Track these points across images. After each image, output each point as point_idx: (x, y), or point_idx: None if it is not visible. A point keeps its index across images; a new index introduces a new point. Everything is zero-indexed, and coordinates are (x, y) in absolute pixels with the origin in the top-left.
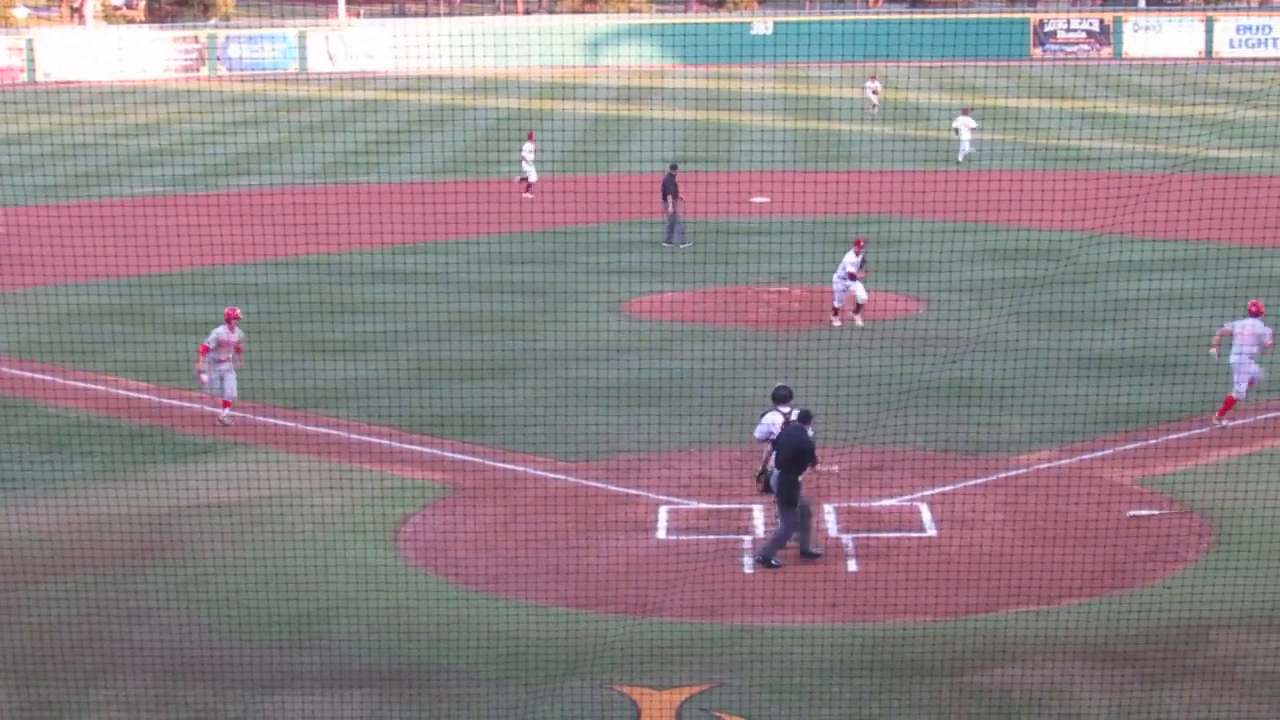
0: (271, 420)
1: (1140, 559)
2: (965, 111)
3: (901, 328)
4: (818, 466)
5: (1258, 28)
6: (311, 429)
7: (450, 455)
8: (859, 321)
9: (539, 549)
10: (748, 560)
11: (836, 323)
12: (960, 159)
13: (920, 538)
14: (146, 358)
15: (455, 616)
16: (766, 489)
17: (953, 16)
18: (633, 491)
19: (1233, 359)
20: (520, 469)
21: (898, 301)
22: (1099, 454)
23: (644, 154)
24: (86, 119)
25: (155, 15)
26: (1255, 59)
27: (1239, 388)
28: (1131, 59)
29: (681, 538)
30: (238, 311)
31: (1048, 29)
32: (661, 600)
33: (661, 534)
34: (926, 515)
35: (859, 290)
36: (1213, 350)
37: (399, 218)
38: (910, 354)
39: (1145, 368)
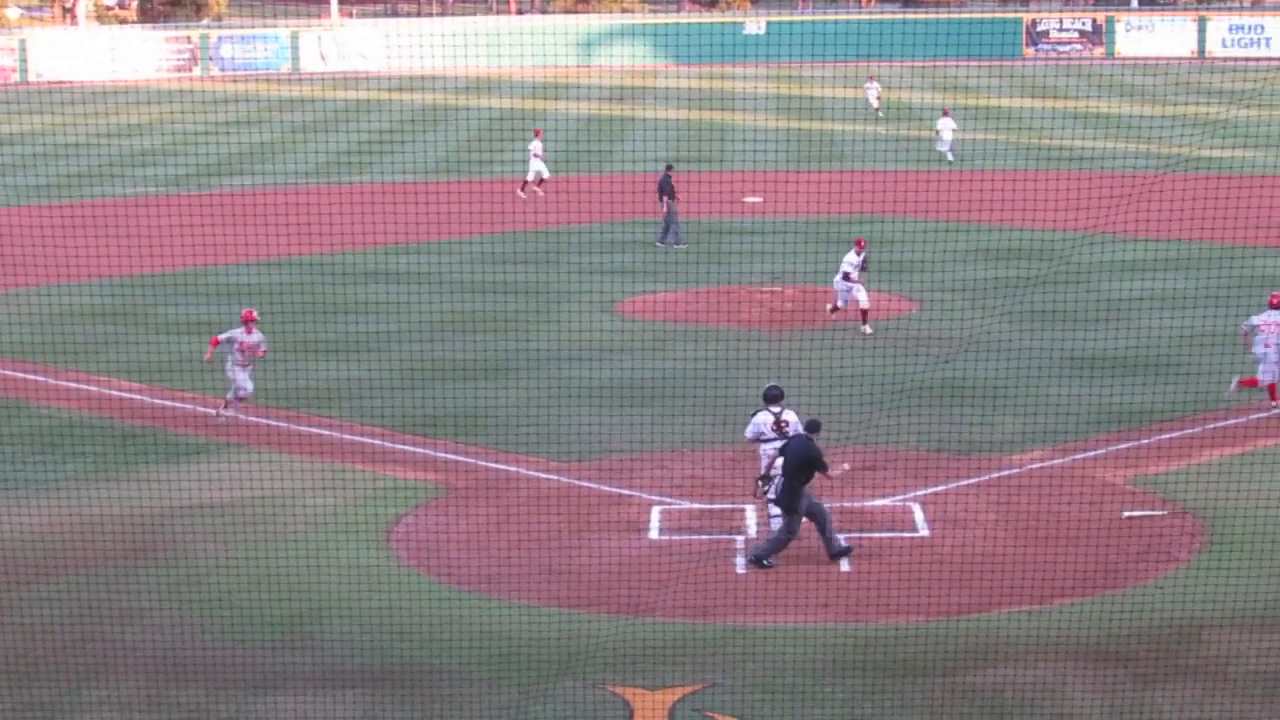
0: (264, 420)
1: (1132, 559)
2: (945, 113)
3: (894, 327)
4: (830, 472)
5: (1250, 27)
6: (304, 429)
7: (442, 455)
8: (867, 329)
9: (531, 549)
10: (740, 560)
11: (829, 308)
12: (950, 158)
13: (913, 538)
14: (139, 358)
15: (448, 617)
16: (765, 495)
17: (945, 16)
18: (625, 492)
19: (1258, 350)
20: (513, 469)
21: (891, 301)
22: (1091, 454)
23: (637, 154)
24: (79, 119)
25: (147, 15)
26: (1247, 58)
27: (1264, 377)
28: (1124, 59)
29: (674, 538)
30: (255, 314)
31: (1040, 29)
32: (654, 600)
33: (654, 534)
34: (919, 515)
35: (861, 295)
36: (1244, 347)
37: (391, 218)
38: (903, 354)
39: (1138, 367)
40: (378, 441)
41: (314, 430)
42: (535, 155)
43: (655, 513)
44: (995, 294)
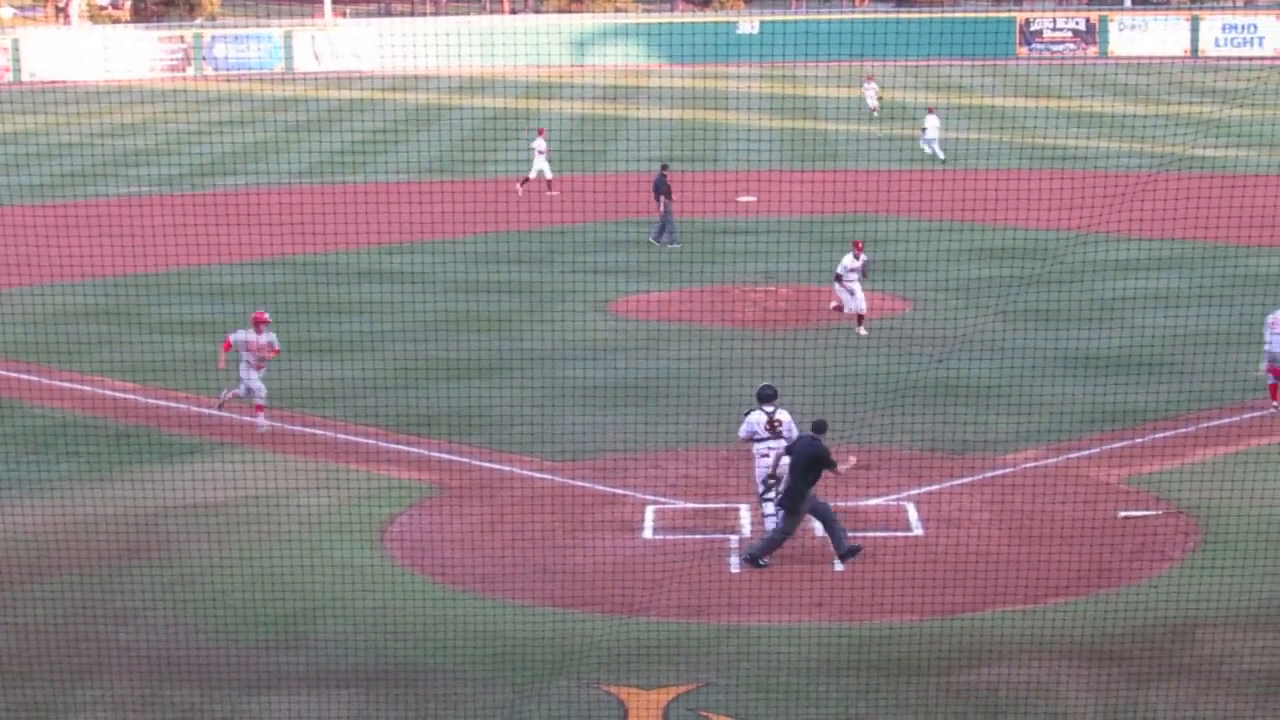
0: (257, 420)
1: (1126, 558)
2: (931, 110)
3: (888, 327)
4: (839, 469)
5: (1243, 26)
6: (298, 429)
7: (437, 455)
8: (861, 331)
9: (526, 549)
10: (734, 559)
11: (831, 305)
12: (941, 156)
13: (907, 537)
14: (133, 358)
15: (442, 616)
16: (781, 503)
17: (939, 15)
18: (619, 491)
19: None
20: (507, 469)
21: (884, 301)
22: (1085, 453)
23: (630, 153)
24: (72, 119)
25: (141, 15)
26: (1241, 58)
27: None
28: (1117, 58)
29: (668, 537)
30: (267, 315)
31: (1033, 28)
32: (648, 600)
33: (648, 533)
34: (913, 514)
35: (859, 298)
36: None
37: (385, 217)
38: (897, 353)
39: (1132, 367)
40: (372, 441)
41: (308, 430)
42: (539, 153)
43: (649, 512)
44: (989, 293)
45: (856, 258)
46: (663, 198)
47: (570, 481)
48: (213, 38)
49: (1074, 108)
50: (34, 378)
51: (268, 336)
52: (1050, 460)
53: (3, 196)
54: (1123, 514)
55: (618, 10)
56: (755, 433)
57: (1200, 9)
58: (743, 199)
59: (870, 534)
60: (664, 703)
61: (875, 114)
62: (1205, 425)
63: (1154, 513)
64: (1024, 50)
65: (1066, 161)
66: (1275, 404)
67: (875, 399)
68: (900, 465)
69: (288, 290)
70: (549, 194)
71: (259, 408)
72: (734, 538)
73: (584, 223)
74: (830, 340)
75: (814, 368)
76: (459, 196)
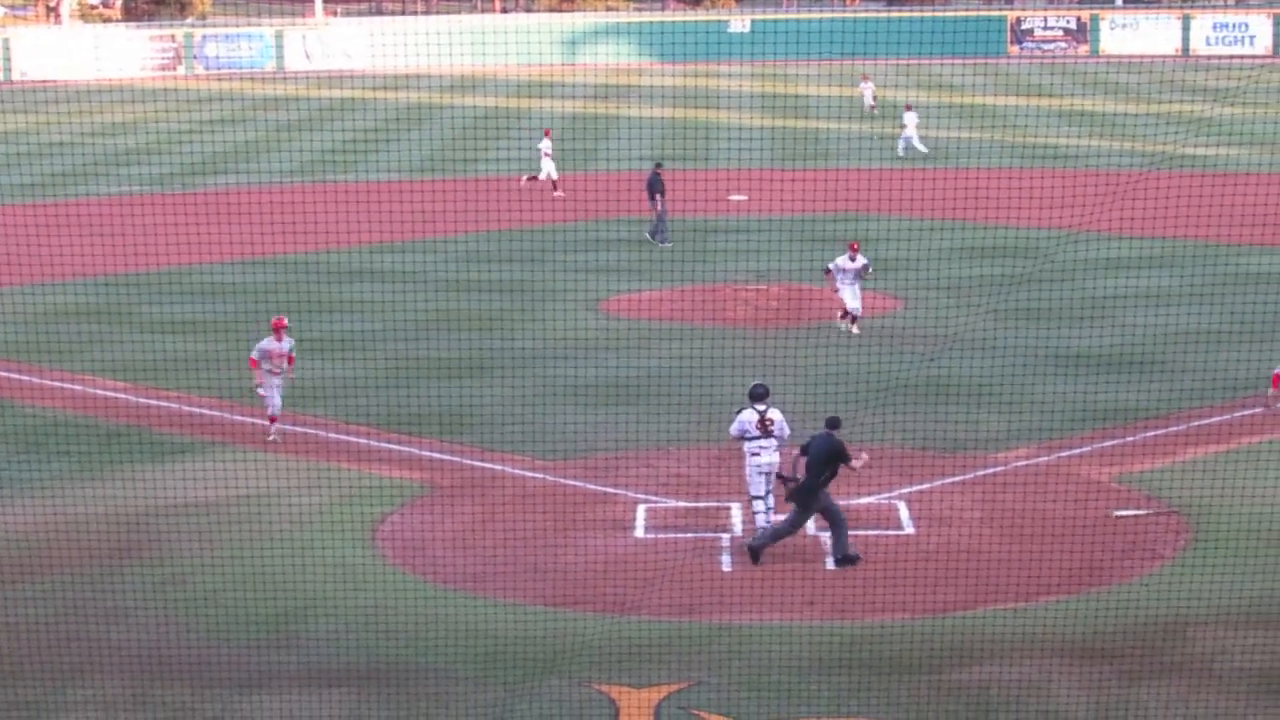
0: (249, 419)
1: (1118, 556)
2: (908, 108)
3: (879, 326)
4: (853, 464)
5: (1234, 25)
6: (289, 428)
7: (428, 454)
8: (846, 327)
9: (517, 547)
10: (726, 558)
11: (851, 329)
12: (924, 150)
13: (898, 535)
14: (123, 357)
15: (433, 615)
16: (793, 497)
17: (930, 14)
18: (610, 490)
19: None
20: (498, 468)
21: (875, 299)
22: (1076, 451)
23: (622, 152)
24: (63, 118)
25: (131, 14)
26: (1232, 56)
27: None
28: (1109, 57)
29: (659, 536)
30: (285, 320)
31: (1025, 27)
32: (640, 598)
33: (639, 532)
34: (904, 513)
35: (847, 297)
36: None
37: (376, 216)
38: (888, 352)
39: (1122, 365)
40: (363, 440)
41: (299, 429)
42: (545, 154)
43: (640, 511)
44: (980, 292)
45: (852, 259)
46: (658, 196)
47: (561, 480)
48: (204, 37)
49: (1065, 106)
50: (24, 377)
51: (288, 342)
52: (1041, 459)
53: None
54: (1117, 513)
55: (609, 9)
56: (746, 431)
57: (1191, 8)
58: (734, 198)
59: (861, 532)
60: (655, 701)
61: (874, 113)
62: (1196, 424)
63: (1148, 512)
64: (1015, 49)
65: (1057, 160)
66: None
67: (866, 398)
68: (891, 464)
69: (278, 289)
70: (555, 194)
71: (272, 419)
72: (725, 536)
73: (575, 221)
74: (821, 339)
75: (805, 366)
76: (450, 195)
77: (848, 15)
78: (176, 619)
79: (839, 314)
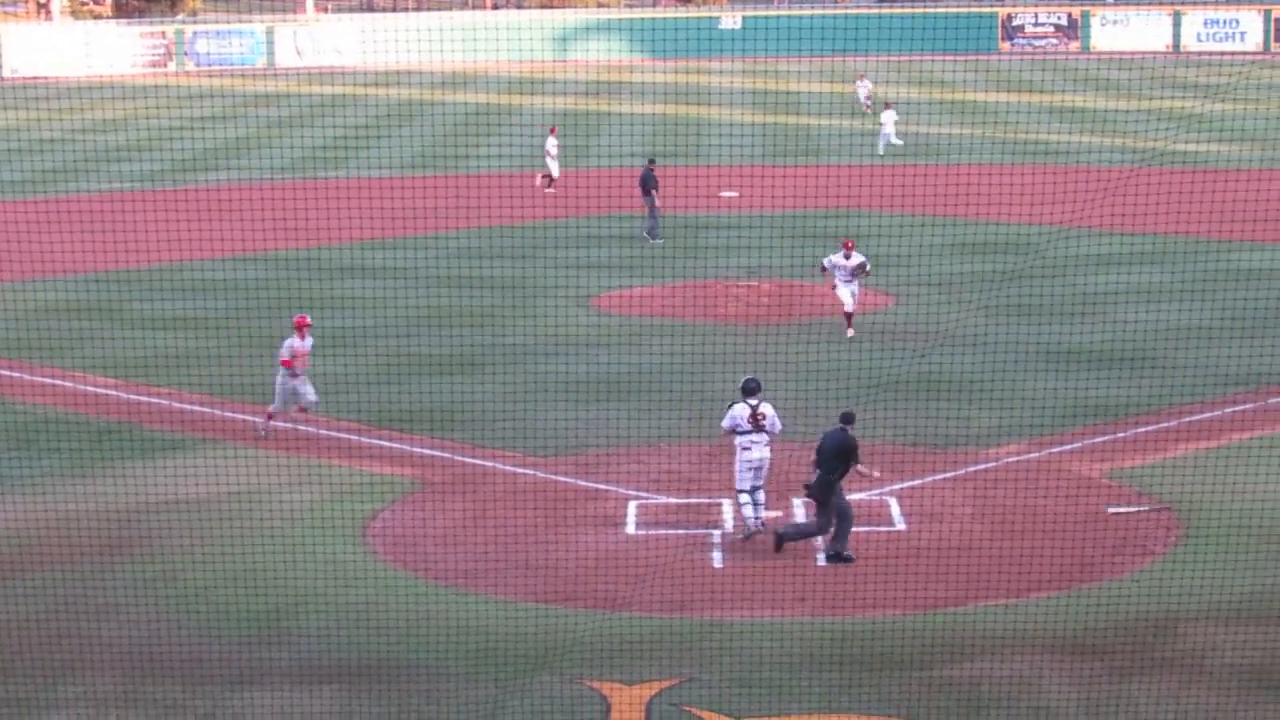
0: (239, 416)
1: (1109, 552)
2: (888, 106)
3: (871, 322)
4: (860, 467)
5: (1225, 21)
6: (279, 424)
7: (419, 450)
8: (849, 332)
9: (508, 544)
10: (717, 554)
11: (850, 334)
12: (881, 150)
13: (889, 532)
14: (114, 354)
15: (424, 611)
16: (811, 494)
17: (921, 11)
18: (602, 486)
19: None
20: (489, 464)
21: (867, 295)
22: (1067, 447)
23: (613, 149)
24: (53, 114)
25: (122, 11)
26: (1222, 52)
27: None
28: (1099, 53)
29: (650, 532)
30: (309, 319)
31: (1016, 23)
32: (631, 595)
33: (630, 529)
34: (895, 509)
35: (843, 295)
36: None
37: (367, 213)
38: (879, 348)
39: (1113, 361)
40: (354, 437)
41: (289, 426)
42: (549, 154)
43: (632, 507)
44: (971, 288)
45: (847, 257)
46: (654, 192)
47: (552, 477)
48: (194, 33)
49: (1056, 103)
50: (15, 374)
51: (310, 340)
52: (1032, 455)
53: None
54: (1111, 510)
55: (600, 5)
56: (738, 425)
57: (1182, 4)
58: (725, 194)
59: (853, 529)
60: (646, 698)
61: (869, 111)
62: (1187, 420)
63: (1142, 509)
64: (1006, 45)
65: (1048, 156)
66: None
67: (858, 394)
68: (883, 460)
69: (270, 285)
70: (547, 190)
71: (300, 409)
72: (716, 532)
73: (566, 218)
74: (812, 335)
75: (796, 363)
76: (441, 191)
77: (838, 12)
78: (167, 615)
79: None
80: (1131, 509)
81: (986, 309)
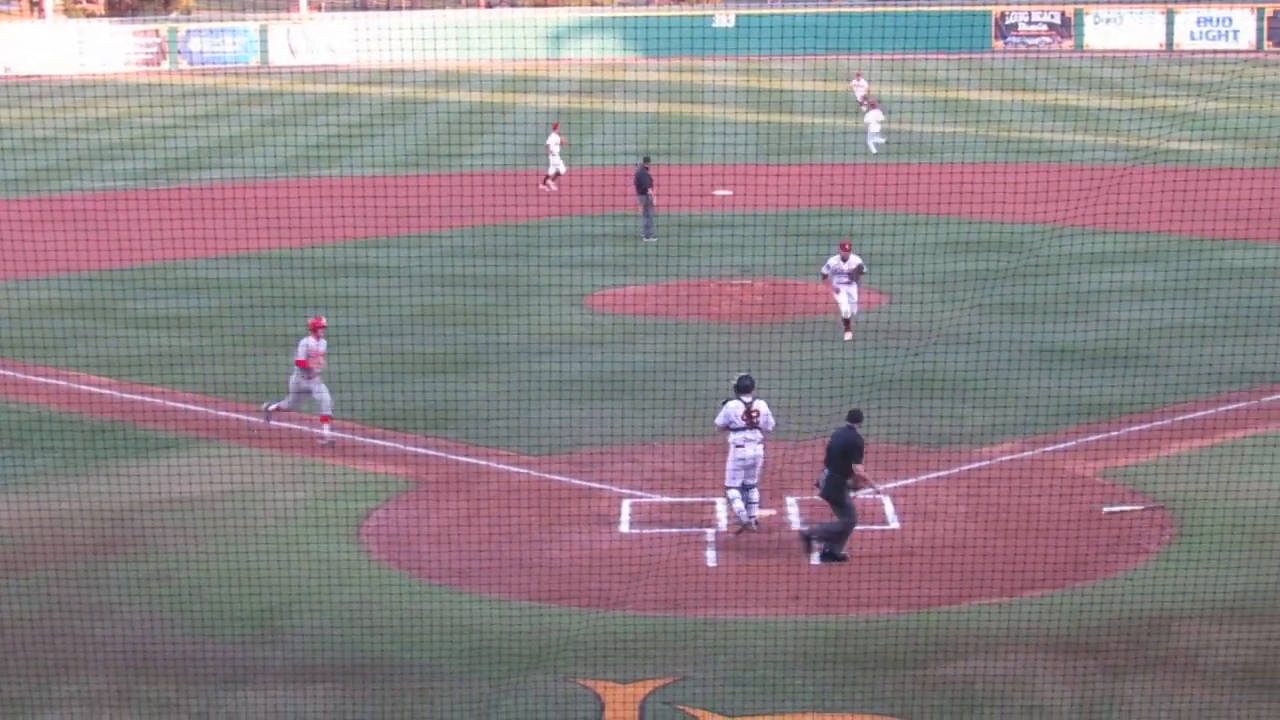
0: (233, 415)
1: (1103, 551)
2: (874, 105)
3: (864, 321)
4: (857, 466)
5: (1218, 20)
6: (273, 423)
7: (413, 449)
8: (846, 336)
9: (502, 543)
10: (711, 553)
11: (848, 337)
12: (874, 150)
13: (883, 530)
14: (108, 352)
15: (418, 610)
16: (824, 494)
17: (914, 9)
18: (595, 485)
19: None
20: (483, 463)
21: (861, 294)
22: (1061, 446)
23: (606, 147)
24: (46, 113)
25: (115, 9)
26: (1216, 51)
27: None
28: (1092, 51)
29: (644, 531)
30: (324, 320)
31: (1009, 21)
32: (625, 594)
33: (624, 527)
34: (889, 508)
35: (843, 301)
36: None
37: (361, 211)
38: (873, 346)
39: (1107, 360)
40: (348, 435)
41: (283, 424)
42: (550, 151)
43: (626, 506)
44: (965, 287)
45: (844, 259)
46: (650, 190)
47: (546, 475)
48: (188, 32)
49: (1049, 101)
50: (8, 372)
51: (324, 342)
52: (1026, 453)
53: None
54: (1107, 509)
55: (593, 3)
56: (732, 421)
57: (1175, 2)
58: (719, 192)
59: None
60: (640, 696)
61: (864, 109)
62: (1181, 418)
63: (1138, 507)
64: (999, 44)
65: (1042, 155)
66: None
67: (851, 392)
68: (876, 458)
69: (263, 284)
70: (543, 186)
71: (325, 418)
72: (710, 531)
73: (560, 216)
74: (806, 334)
75: (790, 361)
76: (435, 190)
77: (832, 10)
78: (161, 614)
79: (846, 333)
80: (1127, 508)
81: (980, 308)
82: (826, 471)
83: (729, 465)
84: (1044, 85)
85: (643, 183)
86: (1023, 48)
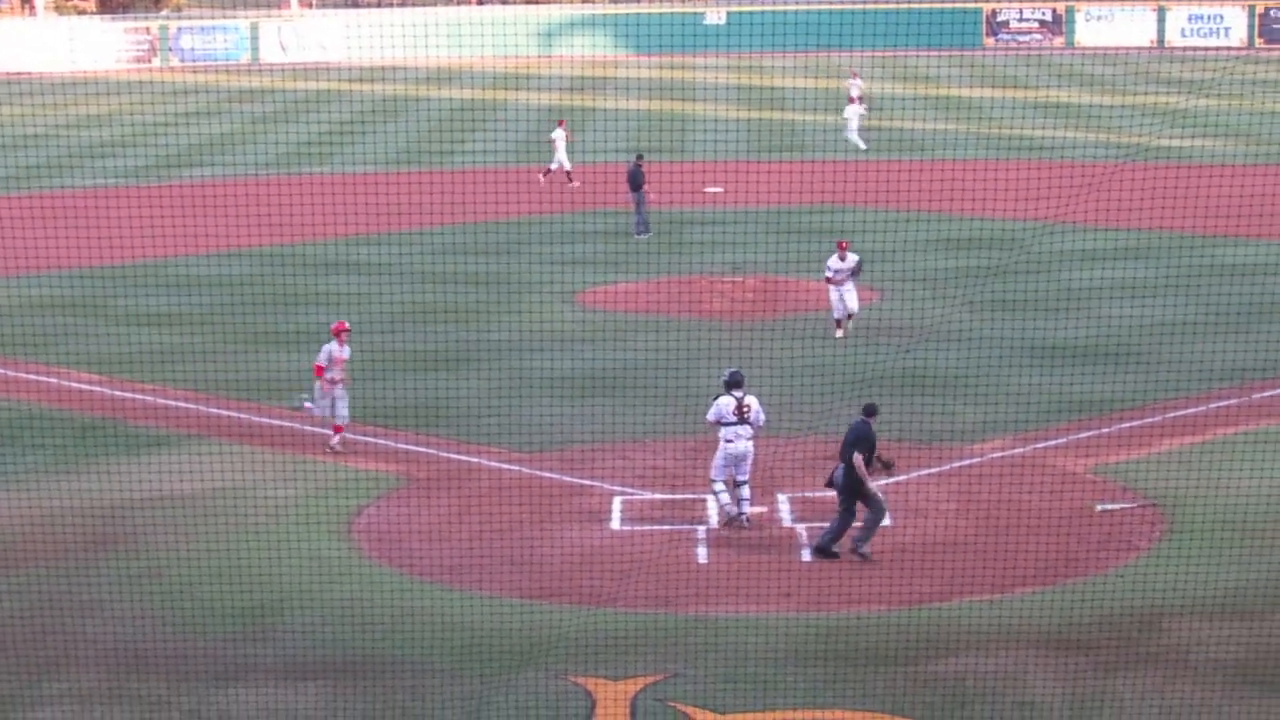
0: (224, 412)
1: (1093, 547)
2: (852, 100)
3: (856, 317)
4: (856, 457)
5: (1209, 17)
6: (264, 420)
7: (404, 446)
8: (838, 334)
9: (493, 540)
10: (702, 550)
11: (839, 335)
12: (863, 146)
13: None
14: (99, 350)
15: (410, 608)
16: (841, 490)
17: (905, 6)
18: (587, 482)
19: None
20: (474, 460)
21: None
22: (1052, 443)
23: (597, 144)
24: (37, 110)
25: (106, 6)
26: (1206, 48)
27: None
28: (1084, 48)
29: (635, 528)
30: (347, 325)
31: (1000, 18)
32: (616, 591)
33: (615, 524)
34: None
35: (850, 299)
36: None
37: (352, 208)
38: (864, 343)
39: (1098, 356)
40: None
41: (274, 421)
42: (555, 146)
43: (617, 503)
44: (956, 283)
45: (842, 258)
46: (643, 188)
47: (537, 473)
48: (179, 29)
49: (1041, 98)
50: None
51: (349, 349)
52: (1017, 450)
53: None
54: (1100, 507)
55: (584, 1)
56: (723, 417)
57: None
58: (710, 190)
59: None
60: (632, 693)
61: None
62: (1172, 415)
63: (1130, 505)
64: (991, 41)
65: (1033, 152)
66: None
67: (842, 389)
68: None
69: (254, 282)
70: (541, 179)
71: (338, 428)
72: (701, 528)
73: (551, 214)
74: (797, 331)
75: (781, 358)
76: (426, 187)
77: (823, 7)
78: (152, 612)
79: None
80: (1119, 505)
81: (971, 304)
82: (840, 465)
83: (716, 459)
84: (1035, 82)
85: (636, 180)
86: (1014, 44)
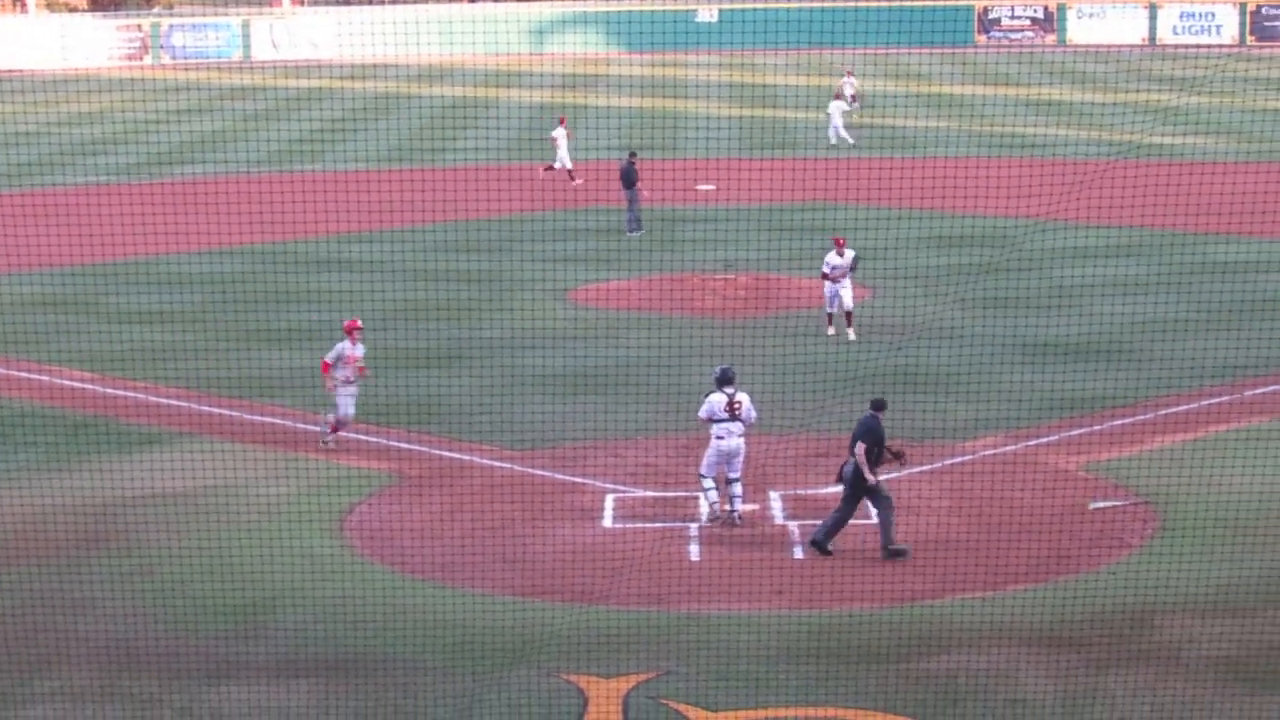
0: (216, 409)
1: (1085, 545)
2: (837, 96)
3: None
4: (855, 448)
5: (1201, 14)
6: (256, 418)
7: (396, 444)
8: (851, 335)
9: (485, 537)
10: (694, 547)
11: (830, 331)
12: (850, 142)
13: (866, 524)
14: (90, 347)
15: (402, 605)
16: (851, 485)
17: (897, 4)
18: (579, 480)
19: None
20: (466, 457)
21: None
22: (1044, 440)
23: (589, 142)
24: (29, 108)
25: (98, 4)
26: (1198, 45)
27: None
28: (1075, 46)
29: (628, 525)
30: (360, 323)
31: (992, 16)
32: (608, 588)
33: (608, 522)
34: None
35: (845, 295)
36: None
37: (344, 206)
38: (856, 341)
39: (1090, 354)
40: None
41: (266, 419)
42: (557, 144)
43: (609, 501)
44: (948, 281)
45: (840, 254)
46: (636, 185)
47: (530, 470)
48: (170, 26)
49: (1032, 96)
50: None
51: (362, 348)
52: (1009, 447)
53: None
54: (1093, 505)
55: None
56: (715, 414)
57: None
58: (702, 187)
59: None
60: (624, 691)
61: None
62: (1164, 412)
63: (1122, 502)
64: (982, 38)
65: (1025, 149)
66: None
67: (834, 386)
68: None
69: (246, 279)
70: (544, 174)
71: (334, 426)
72: (693, 526)
73: (543, 211)
74: (789, 328)
75: (773, 355)
76: (418, 185)
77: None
78: (144, 610)
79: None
80: (1112, 503)
81: (963, 302)
82: (850, 461)
83: (707, 455)
84: (1026, 80)
85: (629, 177)
86: (1005, 42)
